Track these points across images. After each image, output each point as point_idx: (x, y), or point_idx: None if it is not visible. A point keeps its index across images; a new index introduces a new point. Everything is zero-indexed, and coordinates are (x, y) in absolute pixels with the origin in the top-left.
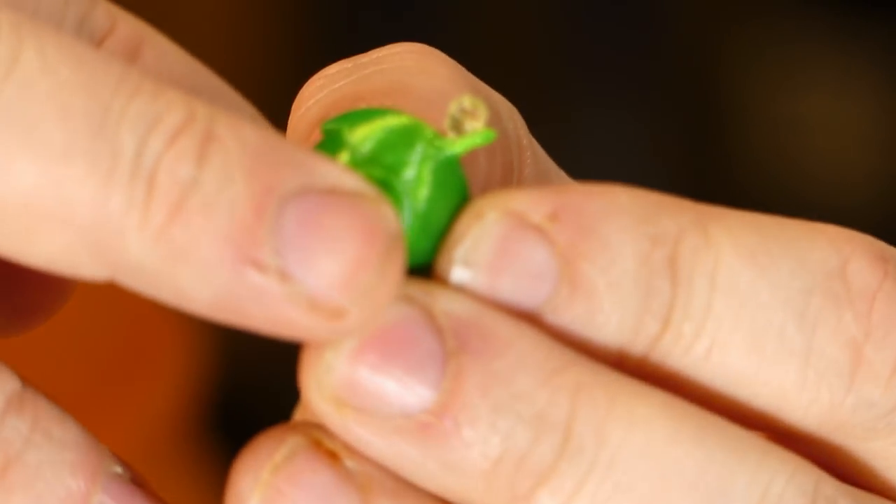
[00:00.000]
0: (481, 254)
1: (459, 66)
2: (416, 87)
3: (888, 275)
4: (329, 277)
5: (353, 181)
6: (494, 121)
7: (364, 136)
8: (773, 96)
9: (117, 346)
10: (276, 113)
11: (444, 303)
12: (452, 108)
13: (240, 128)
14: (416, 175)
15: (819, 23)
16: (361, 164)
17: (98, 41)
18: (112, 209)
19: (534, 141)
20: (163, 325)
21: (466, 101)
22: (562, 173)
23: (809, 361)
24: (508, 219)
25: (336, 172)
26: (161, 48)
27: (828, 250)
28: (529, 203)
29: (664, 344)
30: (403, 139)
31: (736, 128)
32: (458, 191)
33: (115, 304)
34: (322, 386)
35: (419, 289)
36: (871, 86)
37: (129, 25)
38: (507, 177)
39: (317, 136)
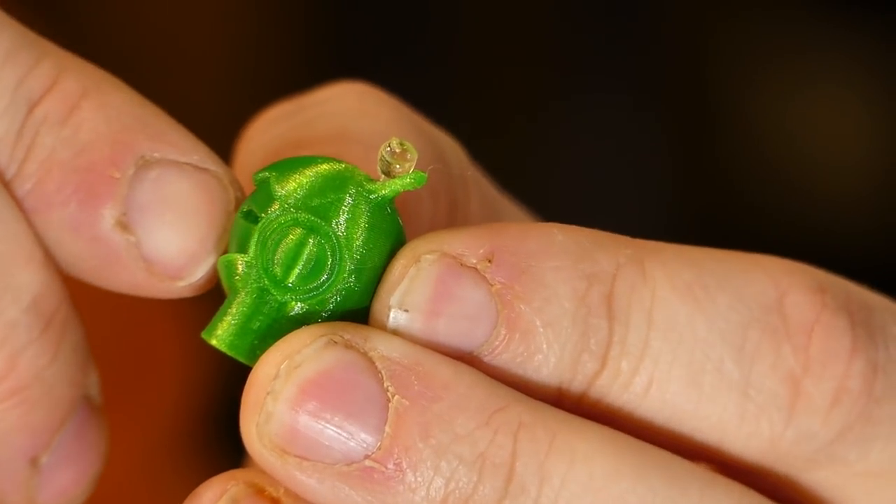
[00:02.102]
0: (418, 297)
1: (402, 107)
2: (357, 132)
3: (826, 307)
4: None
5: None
6: (437, 159)
7: (295, 184)
8: (771, 97)
9: (120, 355)
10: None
11: (381, 347)
12: (382, 151)
13: None
14: (349, 219)
15: (817, 23)
16: (290, 210)
17: (34, 103)
18: None
19: (480, 175)
20: (167, 333)
21: (395, 144)
22: (510, 206)
23: (748, 395)
24: (444, 261)
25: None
26: (104, 100)
27: (765, 283)
28: (465, 244)
29: (603, 381)
30: (333, 184)
31: (732, 130)
32: (393, 233)
33: (118, 312)
34: (262, 434)
35: (356, 333)
36: (868, 86)
37: (75, 79)
38: (453, 214)
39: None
